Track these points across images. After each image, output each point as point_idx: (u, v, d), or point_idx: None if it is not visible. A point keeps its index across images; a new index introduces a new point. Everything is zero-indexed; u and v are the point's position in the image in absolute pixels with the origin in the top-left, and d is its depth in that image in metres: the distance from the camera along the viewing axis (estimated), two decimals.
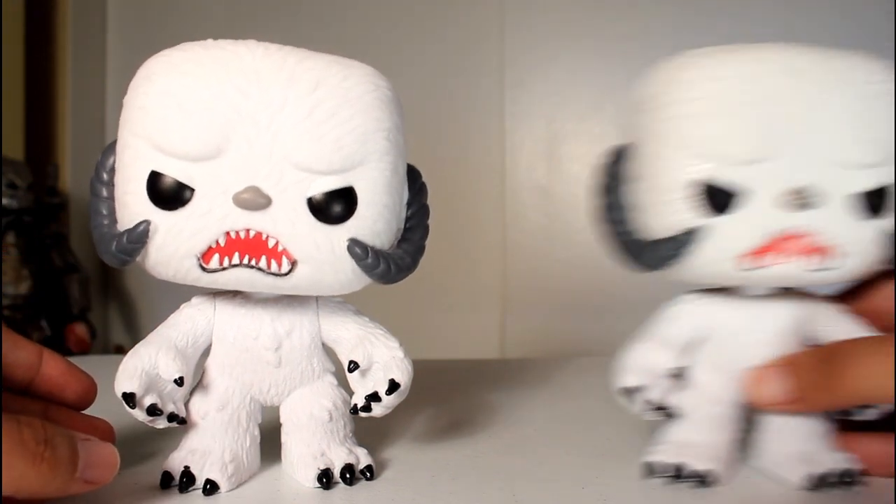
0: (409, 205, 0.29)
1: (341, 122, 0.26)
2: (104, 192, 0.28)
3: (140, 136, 0.26)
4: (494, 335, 1.19)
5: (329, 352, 0.31)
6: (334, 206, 0.27)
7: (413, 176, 0.29)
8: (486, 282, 1.18)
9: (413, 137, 0.29)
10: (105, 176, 0.28)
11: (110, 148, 0.28)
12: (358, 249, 0.27)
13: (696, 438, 0.31)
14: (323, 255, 0.27)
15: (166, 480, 0.29)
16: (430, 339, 1.07)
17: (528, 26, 1.18)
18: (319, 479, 0.29)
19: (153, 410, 0.27)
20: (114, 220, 0.27)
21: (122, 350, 1.17)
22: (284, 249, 0.26)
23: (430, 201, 0.30)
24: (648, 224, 0.29)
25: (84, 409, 0.31)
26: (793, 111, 0.27)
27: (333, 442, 0.31)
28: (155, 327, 0.30)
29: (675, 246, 0.28)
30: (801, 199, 0.27)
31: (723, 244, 0.27)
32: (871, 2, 1.08)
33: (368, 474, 0.30)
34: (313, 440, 0.30)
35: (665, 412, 0.30)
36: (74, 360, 0.32)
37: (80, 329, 1.14)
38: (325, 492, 0.29)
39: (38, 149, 1.20)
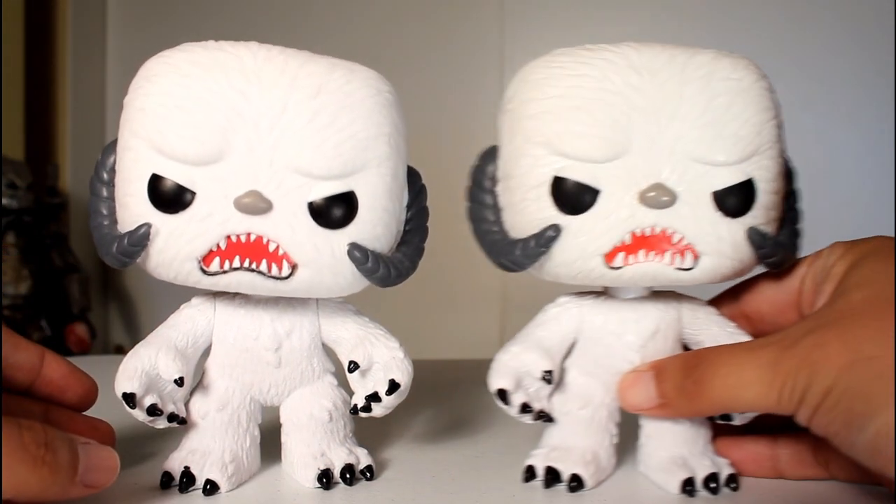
0: (408, 207, 0.29)
1: (342, 127, 0.26)
2: (104, 192, 0.28)
3: (140, 138, 0.26)
4: (494, 335, 1.19)
5: (329, 352, 0.31)
6: (335, 210, 0.27)
7: (413, 178, 0.29)
8: (486, 282, 1.18)
9: (413, 138, 0.29)
10: (105, 176, 0.28)
11: (110, 147, 0.28)
12: (358, 254, 0.27)
13: (571, 442, 0.30)
14: (323, 258, 0.27)
15: (166, 480, 0.29)
16: (430, 339, 1.07)
17: (528, 26, 1.18)
18: (319, 479, 0.29)
19: (153, 411, 0.27)
20: (114, 221, 0.27)
21: (122, 350, 1.17)
22: (285, 253, 0.26)
23: (430, 201, 0.30)
24: (513, 223, 0.29)
25: (85, 410, 0.31)
26: (647, 109, 0.26)
27: (333, 442, 0.31)
28: (155, 327, 0.30)
29: (538, 244, 0.27)
30: (659, 196, 0.26)
31: (584, 242, 0.27)
32: (871, 2, 1.08)
33: (368, 474, 0.31)
34: (313, 440, 0.30)
35: (542, 416, 0.30)
36: (74, 360, 0.32)
37: (80, 329, 1.14)
38: (325, 492, 0.29)
39: (38, 149, 1.20)
